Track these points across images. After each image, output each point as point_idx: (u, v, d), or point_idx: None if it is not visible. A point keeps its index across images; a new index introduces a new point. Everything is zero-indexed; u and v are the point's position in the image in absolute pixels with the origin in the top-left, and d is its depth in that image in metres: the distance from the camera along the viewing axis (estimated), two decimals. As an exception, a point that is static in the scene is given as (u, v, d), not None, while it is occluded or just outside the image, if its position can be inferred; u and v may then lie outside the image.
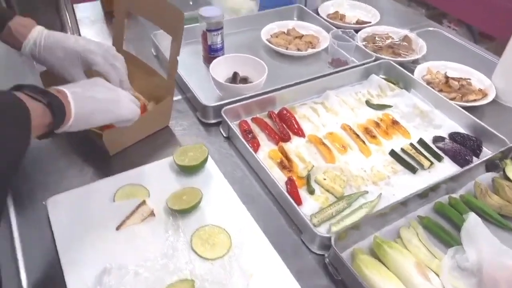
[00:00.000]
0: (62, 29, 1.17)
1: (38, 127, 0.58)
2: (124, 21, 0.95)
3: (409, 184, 0.83)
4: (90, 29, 1.29)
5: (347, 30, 1.13)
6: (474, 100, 1.03)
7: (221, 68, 1.02)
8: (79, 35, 1.23)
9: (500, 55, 1.10)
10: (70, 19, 1.17)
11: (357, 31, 1.28)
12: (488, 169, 0.87)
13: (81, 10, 1.37)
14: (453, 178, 0.80)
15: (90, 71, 0.81)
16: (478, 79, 1.10)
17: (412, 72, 1.15)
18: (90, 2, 1.40)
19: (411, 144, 0.91)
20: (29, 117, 0.56)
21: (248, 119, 0.96)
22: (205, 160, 0.79)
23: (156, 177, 0.79)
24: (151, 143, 0.90)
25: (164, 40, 1.13)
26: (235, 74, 1.03)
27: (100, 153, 0.85)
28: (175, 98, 0.98)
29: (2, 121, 0.53)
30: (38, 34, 0.77)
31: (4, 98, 0.56)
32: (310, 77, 1.04)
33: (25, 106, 0.56)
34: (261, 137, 0.92)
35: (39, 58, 0.77)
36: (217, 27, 1.06)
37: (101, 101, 0.68)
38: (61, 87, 0.65)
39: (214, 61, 1.00)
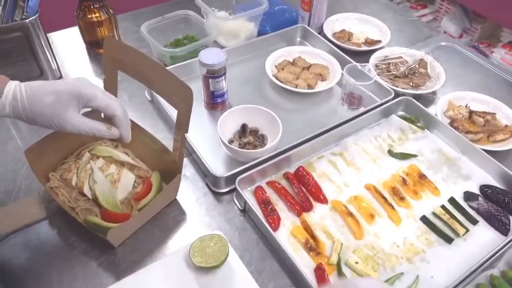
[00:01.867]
0: (42, 73, 1.04)
1: None
2: (116, 81, 0.82)
3: (446, 258, 0.77)
4: (71, 64, 1.14)
5: (363, 64, 1.02)
6: (502, 141, 0.96)
7: (229, 121, 0.92)
8: (60, 73, 1.09)
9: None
10: (48, 54, 1.03)
11: (367, 51, 1.18)
12: (525, 232, 0.81)
13: (57, 39, 1.21)
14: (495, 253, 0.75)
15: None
16: (503, 114, 1.02)
17: (431, 103, 1.07)
18: (67, 29, 1.24)
19: (443, 207, 0.84)
20: None
21: (263, 184, 0.86)
22: (226, 257, 0.71)
23: (172, 277, 0.71)
24: (159, 222, 0.80)
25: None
26: (244, 127, 0.93)
27: (103, 244, 0.75)
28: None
29: None
30: (15, 87, 0.63)
31: None
32: (324, 123, 0.95)
33: None
34: (280, 206, 0.83)
35: (23, 113, 0.63)
36: (220, 73, 0.94)
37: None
38: None
39: (220, 119, 0.89)
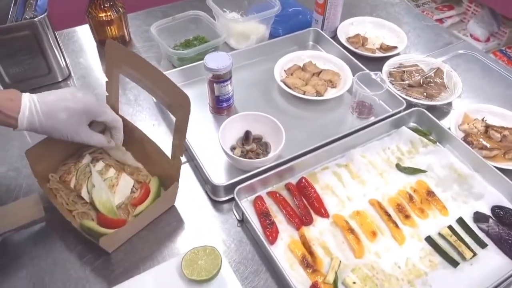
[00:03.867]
0: (50, 71, 1.04)
1: None
2: (117, 84, 0.82)
3: (449, 283, 0.73)
4: (81, 62, 1.14)
5: (375, 72, 0.98)
6: (519, 158, 0.91)
7: (232, 127, 0.90)
8: (68, 71, 1.09)
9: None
10: (57, 53, 1.03)
11: (381, 58, 1.14)
12: (537, 258, 0.76)
13: (69, 36, 1.22)
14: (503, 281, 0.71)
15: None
16: (523, 129, 0.97)
17: (446, 114, 1.03)
18: (80, 26, 1.24)
19: (450, 228, 0.80)
20: None
21: (264, 194, 0.84)
22: (218, 271, 0.69)
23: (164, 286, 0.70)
24: (155, 229, 0.79)
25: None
26: (248, 134, 0.91)
27: (98, 248, 0.75)
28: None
29: None
30: (30, 103, 0.68)
31: None
32: (332, 132, 0.93)
33: None
34: (280, 218, 0.81)
35: (40, 127, 0.70)
36: (226, 78, 0.92)
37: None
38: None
39: (222, 126, 0.87)
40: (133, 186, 0.82)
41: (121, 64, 0.78)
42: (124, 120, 0.86)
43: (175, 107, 0.72)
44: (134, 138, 0.85)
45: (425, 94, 1.03)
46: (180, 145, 0.73)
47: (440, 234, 0.79)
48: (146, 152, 0.84)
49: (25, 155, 0.78)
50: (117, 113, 0.85)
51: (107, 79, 0.82)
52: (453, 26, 2.56)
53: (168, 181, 0.80)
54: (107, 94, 0.84)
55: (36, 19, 0.93)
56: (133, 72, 0.77)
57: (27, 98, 0.68)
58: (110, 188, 0.79)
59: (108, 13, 1.09)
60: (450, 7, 2.63)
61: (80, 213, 0.77)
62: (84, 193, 0.78)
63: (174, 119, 0.92)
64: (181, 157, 0.75)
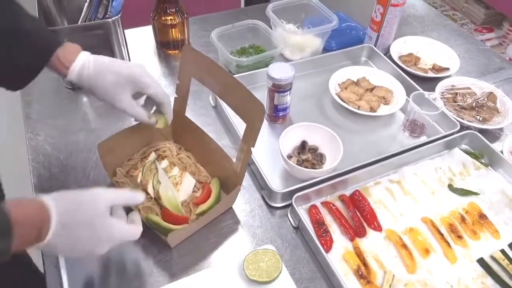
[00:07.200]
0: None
1: None
2: (188, 87, 0.86)
3: (501, 306, 0.74)
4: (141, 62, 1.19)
5: (430, 93, 1.00)
6: None
7: (289, 136, 0.93)
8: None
9: None
10: (124, 52, 1.08)
11: (433, 78, 1.16)
12: None
13: (130, 36, 1.27)
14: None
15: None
16: None
17: (497, 139, 1.04)
18: (140, 27, 1.29)
19: (503, 251, 0.81)
20: None
21: (318, 203, 0.87)
22: (279, 274, 0.72)
23: (225, 285, 0.73)
24: (214, 228, 0.83)
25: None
26: (304, 144, 0.93)
27: (160, 243, 0.79)
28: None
29: None
30: (86, 58, 0.74)
31: None
32: (383, 148, 0.97)
33: None
34: (333, 228, 0.83)
35: (87, 82, 0.74)
36: (286, 88, 0.95)
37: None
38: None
39: (283, 134, 0.90)
40: (195, 185, 0.85)
41: (195, 68, 0.81)
42: (187, 120, 0.90)
43: (248, 114, 0.75)
44: (196, 138, 0.89)
45: (478, 117, 1.04)
46: (248, 151, 0.76)
47: (492, 257, 0.80)
48: (208, 152, 0.88)
49: (97, 148, 0.82)
50: (183, 114, 0.89)
51: (178, 82, 0.86)
52: (497, 53, 2.54)
53: (228, 183, 0.83)
54: (176, 96, 0.88)
55: (110, 19, 0.99)
56: (206, 76, 0.81)
57: (85, 56, 0.74)
58: (174, 186, 0.82)
59: (173, 17, 1.14)
60: (490, 29, 2.61)
61: (145, 207, 0.81)
62: (150, 189, 0.82)
63: (234, 123, 0.97)
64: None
